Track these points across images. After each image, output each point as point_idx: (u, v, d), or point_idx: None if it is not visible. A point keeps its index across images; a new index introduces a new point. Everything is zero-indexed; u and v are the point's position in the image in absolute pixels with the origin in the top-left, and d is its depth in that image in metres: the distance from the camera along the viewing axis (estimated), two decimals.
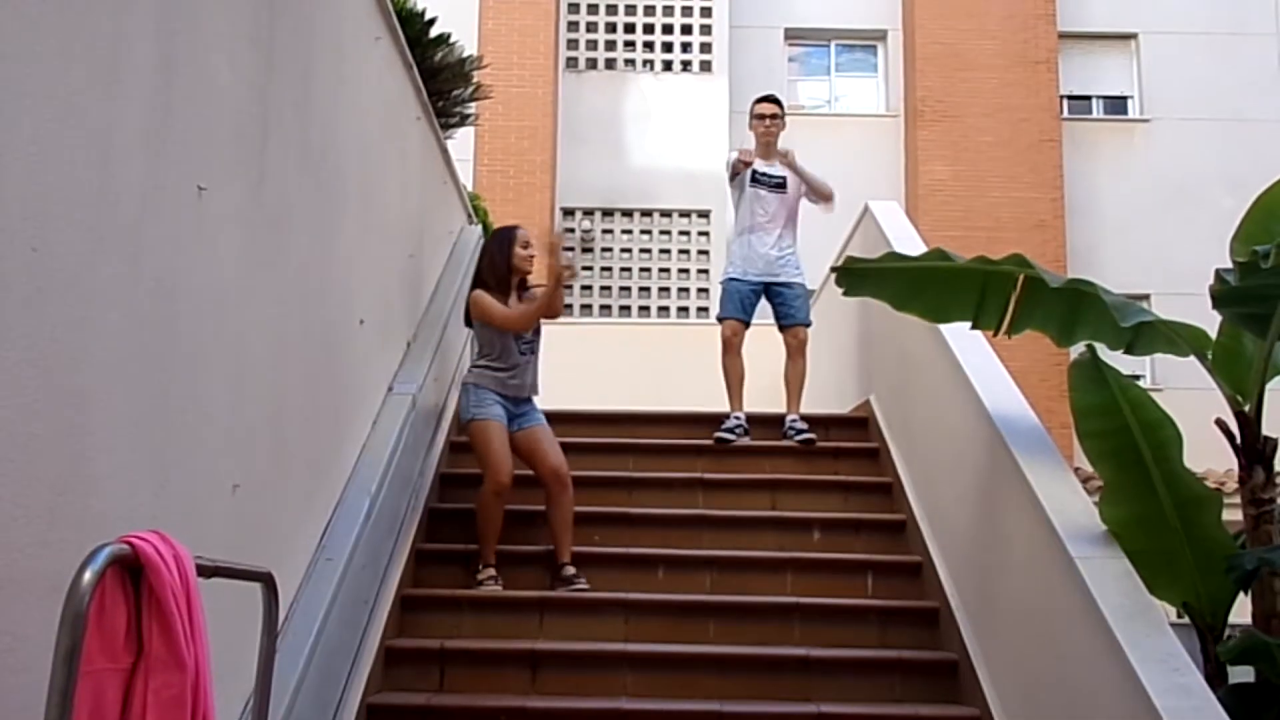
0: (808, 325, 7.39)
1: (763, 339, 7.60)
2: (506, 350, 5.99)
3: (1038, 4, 17.02)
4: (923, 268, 4.83)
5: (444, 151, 7.23)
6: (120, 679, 2.03)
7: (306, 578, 4.19)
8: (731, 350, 7.35)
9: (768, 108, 7.65)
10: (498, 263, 6.14)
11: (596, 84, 17.08)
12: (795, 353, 7.33)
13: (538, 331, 6.12)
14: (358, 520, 4.63)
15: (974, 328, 4.74)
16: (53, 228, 2.37)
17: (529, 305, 6.05)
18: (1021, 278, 4.47)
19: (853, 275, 5.07)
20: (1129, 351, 4.49)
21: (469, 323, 6.21)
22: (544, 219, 16.16)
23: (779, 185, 7.46)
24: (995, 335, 4.65)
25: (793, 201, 7.49)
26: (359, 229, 4.99)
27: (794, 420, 7.11)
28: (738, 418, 7.13)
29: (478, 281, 6.17)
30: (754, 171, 7.49)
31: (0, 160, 2.18)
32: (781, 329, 7.34)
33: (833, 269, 5.23)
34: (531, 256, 6.22)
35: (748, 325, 7.42)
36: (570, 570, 5.71)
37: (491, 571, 5.71)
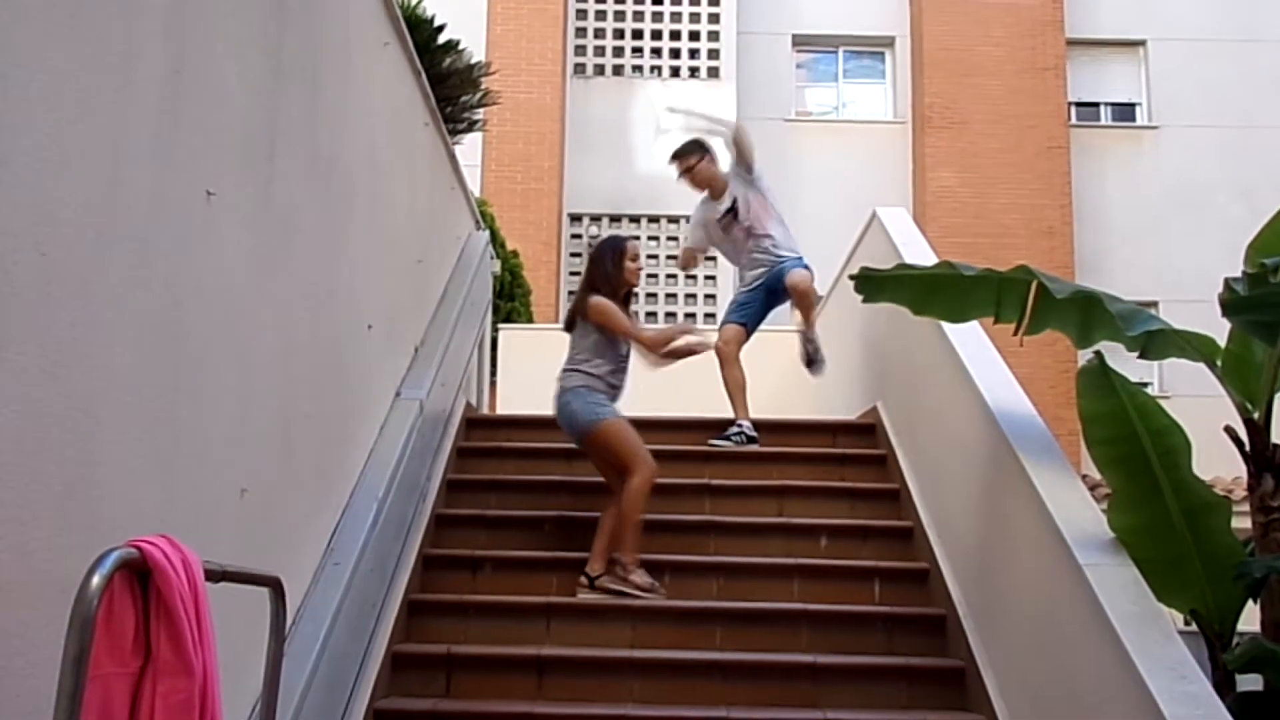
0: (801, 267, 7.33)
1: (764, 346, 7.59)
2: (617, 358, 6.07)
3: (1046, 11, 17.02)
4: (938, 274, 4.84)
5: (452, 157, 7.24)
6: (128, 683, 2.03)
7: (314, 582, 4.19)
8: (727, 361, 7.31)
9: (675, 165, 7.66)
10: (611, 274, 6.17)
11: (604, 90, 17.11)
12: (799, 294, 7.28)
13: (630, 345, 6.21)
14: (365, 525, 4.63)
15: (996, 322, 4.74)
16: (62, 232, 2.37)
17: (642, 334, 6.19)
18: (1035, 283, 4.47)
19: (870, 282, 5.07)
20: (1144, 355, 4.47)
21: (570, 327, 6.21)
22: (551, 225, 16.19)
23: (732, 213, 7.47)
24: (1015, 334, 4.64)
25: (752, 215, 7.43)
26: (367, 234, 5.00)
27: (808, 340, 7.35)
28: (739, 425, 7.13)
29: (592, 289, 6.18)
30: (715, 220, 7.55)
31: (10, 164, 2.18)
32: (784, 292, 7.36)
33: (850, 276, 5.24)
34: (639, 269, 6.27)
35: (749, 330, 7.42)
36: (613, 581, 5.68)
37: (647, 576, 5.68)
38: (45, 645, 2.14)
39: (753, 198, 7.45)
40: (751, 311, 7.43)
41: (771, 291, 7.40)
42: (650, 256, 16.51)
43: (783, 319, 7.88)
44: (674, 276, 16.49)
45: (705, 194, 7.64)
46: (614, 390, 6.05)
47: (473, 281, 7.55)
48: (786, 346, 7.50)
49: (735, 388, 7.28)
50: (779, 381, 7.47)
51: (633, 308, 6.31)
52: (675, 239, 16.59)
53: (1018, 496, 4.47)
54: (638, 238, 16.47)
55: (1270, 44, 17.24)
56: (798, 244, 7.48)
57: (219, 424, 3.30)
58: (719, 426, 7.19)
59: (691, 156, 7.58)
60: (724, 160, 7.64)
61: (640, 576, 5.61)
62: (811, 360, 7.28)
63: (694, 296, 16.41)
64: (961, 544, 5.37)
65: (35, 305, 2.29)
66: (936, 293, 4.90)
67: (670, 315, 16.22)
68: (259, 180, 3.60)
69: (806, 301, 7.32)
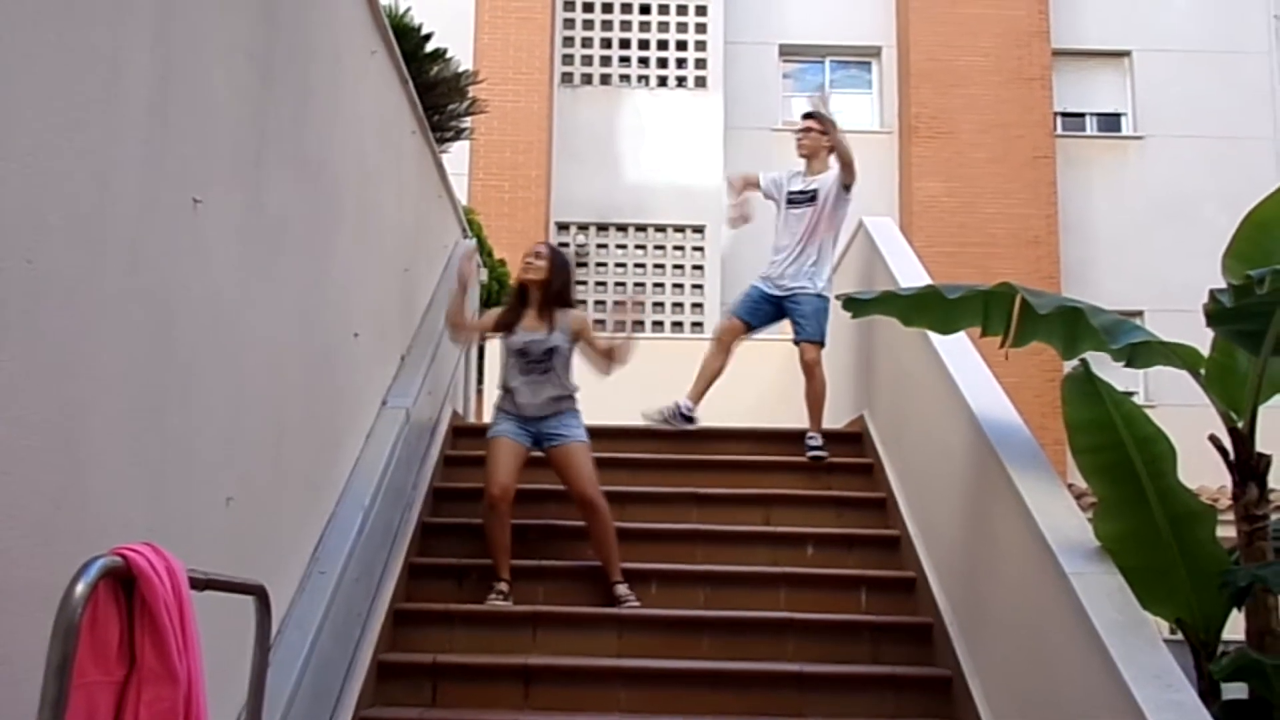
0: (814, 342, 7.15)
1: (751, 354, 7.58)
2: (510, 369, 6.02)
3: (1032, 21, 17.07)
4: (923, 296, 4.85)
5: (439, 166, 7.24)
6: (113, 691, 2.02)
7: (299, 591, 4.18)
8: (718, 346, 7.29)
9: (800, 123, 7.61)
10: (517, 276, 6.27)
11: (592, 99, 17.12)
12: (805, 372, 7.17)
13: (550, 353, 5.96)
14: (351, 533, 4.62)
15: (984, 335, 4.76)
16: (49, 240, 2.37)
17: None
18: (1019, 298, 4.48)
19: (857, 302, 5.09)
20: (1130, 364, 4.49)
21: None
22: (539, 233, 16.17)
23: (809, 199, 7.33)
24: (1002, 346, 4.65)
25: (822, 213, 7.27)
26: (354, 243, 4.99)
27: (810, 438, 7.05)
28: (678, 404, 7.11)
29: None
30: (788, 192, 7.44)
31: None
32: (795, 344, 7.30)
33: (836, 297, 5.26)
34: (529, 265, 6.10)
35: (749, 328, 7.34)
36: (620, 589, 5.70)
37: (502, 588, 5.67)
38: (29, 653, 2.13)
39: (832, 205, 7.31)
40: (760, 318, 7.34)
41: (781, 311, 7.31)
42: (638, 265, 16.53)
43: (781, 328, 7.83)
44: (661, 285, 16.50)
45: (802, 166, 7.54)
46: (517, 402, 5.96)
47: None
48: (774, 356, 7.49)
49: (706, 374, 7.25)
50: (765, 390, 7.46)
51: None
52: (662, 247, 16.61)
53: (1004, 505, 4.48)
54: (624, 246, 16.51)
55: (1254, 55, 17.32)
56: (828, 273, 7.30)
57: (206, 432, 3.29)
58: (707, 435, 7.20)
59: (820, 121, 7.50)
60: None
61: (494, 593, 5.67)
62: (815, 457, 7.00)
63: (681, 305, 16.41)
64: (948, 553, 5.38)
65: (23, 313, 2.28)
66: (923, 312, 4.92)
67: (658, 324, 16.21)
68: (247, 188, 3.59)
69: (812, 381, 7.15)
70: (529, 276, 6.07)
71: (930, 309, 4.87)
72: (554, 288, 6.07)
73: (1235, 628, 4.26)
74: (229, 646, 2.91)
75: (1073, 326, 4.50)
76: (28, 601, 2.26)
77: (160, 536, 2.39)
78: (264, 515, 3.84)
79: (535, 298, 6.06)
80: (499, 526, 5.74)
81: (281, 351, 4.01)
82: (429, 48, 7.20)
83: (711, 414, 7.36)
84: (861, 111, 18.02)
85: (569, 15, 17.37)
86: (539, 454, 6.02)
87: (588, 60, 17.31)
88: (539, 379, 5.96)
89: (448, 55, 7.45)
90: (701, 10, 17.27)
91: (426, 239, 6.92)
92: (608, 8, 17.38)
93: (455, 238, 8.06)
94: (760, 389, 7.53)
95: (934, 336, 5.57)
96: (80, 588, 1.91)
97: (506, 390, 6.00)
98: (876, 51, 17.82)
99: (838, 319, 7.16)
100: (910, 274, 6.47)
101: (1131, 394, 4.52)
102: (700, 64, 17.13)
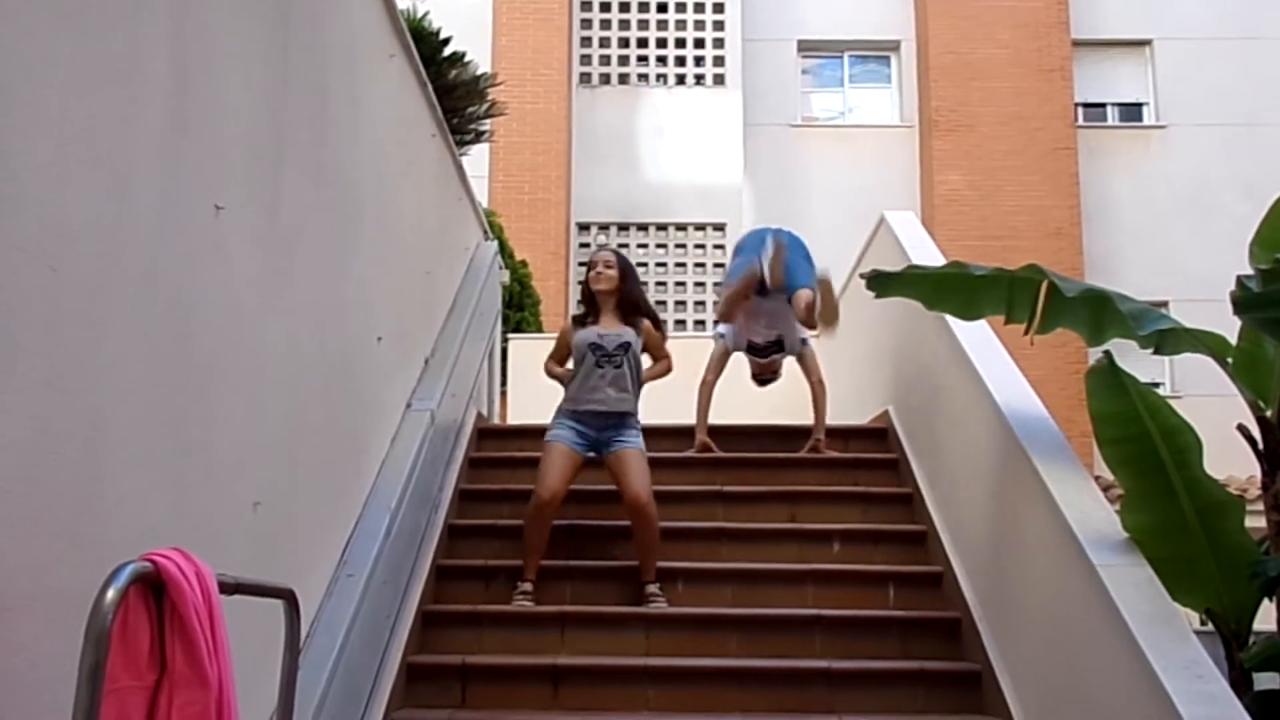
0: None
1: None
2: (582, 361, 5.99)
3: (1051, 12, 17.01)
4: (948, 274, 4.84)
5: (459, 168, 7.25)
6: (144, 697, 2.03)
7: (328, 594, 4.19)
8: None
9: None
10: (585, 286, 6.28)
11: (610, 99, 17.13)
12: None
13: (625, 348, 5.96)
14: (378, 536, 4.63)
15: (1007, 323, 4.73)
16: (71, 248, 2.38)
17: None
18: (1045, 283, 4.46)
19: (881, 280, 5.07)
20: (1157, 351, 4.46)
21: None
22: (559, 234, 16.21)
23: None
24: (1027, 333, 4.63)
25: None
26: (375, 246, 5.00)
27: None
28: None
29: None
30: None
31: (18, 181, 2.19)
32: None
33: (861, 275, 5.24)
34: (596, 274, 6.14)
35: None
36: (651, 588, 5.70)
37: (526, 588, 5.68)
38: (59, 660, 2.14)
39: None
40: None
41: None
42: (659, 264, 16.55)
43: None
44: (683, 284, 16.53)
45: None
46: (580, 407, 5.96)
47: (482, 292, 7.56)
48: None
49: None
50: (790, 388, 7.44)
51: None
52: (683, 246, 16.62)
53: (1031, 498, 4.46)
54: (645, 245, 16.53)
55: (1275, 41, 17.20)
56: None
57: (230, 437, 3.31)
58: (728, 433, 7.18)
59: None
60: None
61: (518, 593, 5.66)
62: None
63: (702, 303, 16.40)
64: (975, 547, 5.37)
65: (45, 320, 2.30)
66: (947, 293, 4.90)
67: (680, 323, 16.22)
68: (266, 193, 3.61)
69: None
70: (600, 286, 6.11)
71: (954, 292, 4.85)
72: (625, 293, 6.12)
73: (1266, 618, 4.24)
74: (259, 650, 2.92)
75: (1099, 312, 4.48)
76: (54, 607, 2.27)
77: (186, 542, 2.40)
78: (291, 519, 3.85)
79: (609, 304, 6.11)
80: (539, 529, 5.75)
81: (304, 356, 4.02)
82: (447, 51, 7.21)
83: (735, 413, 7.35)
84: (881, 106, 18.00)
85: (586, 15, 17.40)
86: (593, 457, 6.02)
87: (606, 60, 17.33)
88: (613, 374, 5.93)
89: (466, 58, 7.46)
90: (719, 7, 17.27)
91: (448, 241, 6.94)
92: (625, 7, 17.41)
93: (476, 240, 8.07)
94: (783, 387, 7.52)
95: (958, 331, 5.56)
96: (111, 594, 1.92)
97: (576, 388, 5.98)
98: (895, 45, 17.78)
99: (859, 315, 7.14)
100: None
101: (1158, 385, 4.50)
102: (718, 61, 17.13)
